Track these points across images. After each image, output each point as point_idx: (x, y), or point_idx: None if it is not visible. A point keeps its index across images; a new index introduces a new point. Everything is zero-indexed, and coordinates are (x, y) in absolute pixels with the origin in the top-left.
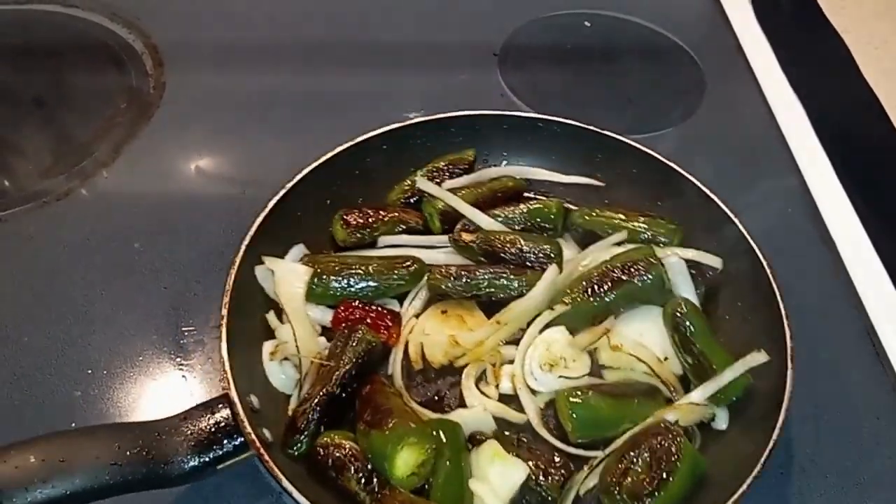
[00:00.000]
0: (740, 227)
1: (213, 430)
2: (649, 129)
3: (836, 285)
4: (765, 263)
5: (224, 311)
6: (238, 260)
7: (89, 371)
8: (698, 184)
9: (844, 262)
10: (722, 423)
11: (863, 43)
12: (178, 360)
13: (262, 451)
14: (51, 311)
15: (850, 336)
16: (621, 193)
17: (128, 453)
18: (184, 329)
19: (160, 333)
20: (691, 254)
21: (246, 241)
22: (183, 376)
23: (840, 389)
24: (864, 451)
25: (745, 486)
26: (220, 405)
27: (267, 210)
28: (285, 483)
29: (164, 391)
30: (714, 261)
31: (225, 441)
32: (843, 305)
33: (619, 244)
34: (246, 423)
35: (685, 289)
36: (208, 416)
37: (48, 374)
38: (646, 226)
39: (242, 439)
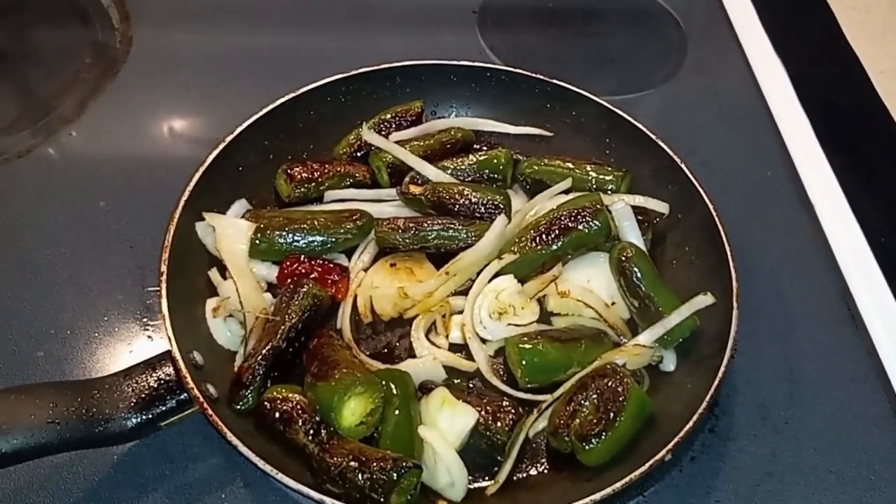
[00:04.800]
0: (687, 171)
1: (155, 386)
2: (630, 90)
3: (813, 248)
4: (711, 207)
5: (164, 268)
6: (177, 216)
7: (52, 331)
8: (645, 130)
9: (822, 224)
10: (670, 364)
11: (846, 6)
12: (144, 320)
13: (205, 405)
14: (12, 271)
15: (825, 298)
16: (570, 143)
17: (65, 411)
18: (150, 289)
19: (126, 293)
20: (638, 199)
21: (185, 197)
22: (149, 336)
23: (814, 351)
24: (834, 411)
25: (690, 424)
26: (163, 362)
27: (205, 165)
28: (230, 437)
29: (130, 352)
30: (660, 206)
31: (167, 398)
32: (820, 267)
33: (566, 192)
34: (188, 378)
35: (631, 234)
36: (150, 372)
37: (9, 334)
38: (593, 173)
39: (185, 395)
